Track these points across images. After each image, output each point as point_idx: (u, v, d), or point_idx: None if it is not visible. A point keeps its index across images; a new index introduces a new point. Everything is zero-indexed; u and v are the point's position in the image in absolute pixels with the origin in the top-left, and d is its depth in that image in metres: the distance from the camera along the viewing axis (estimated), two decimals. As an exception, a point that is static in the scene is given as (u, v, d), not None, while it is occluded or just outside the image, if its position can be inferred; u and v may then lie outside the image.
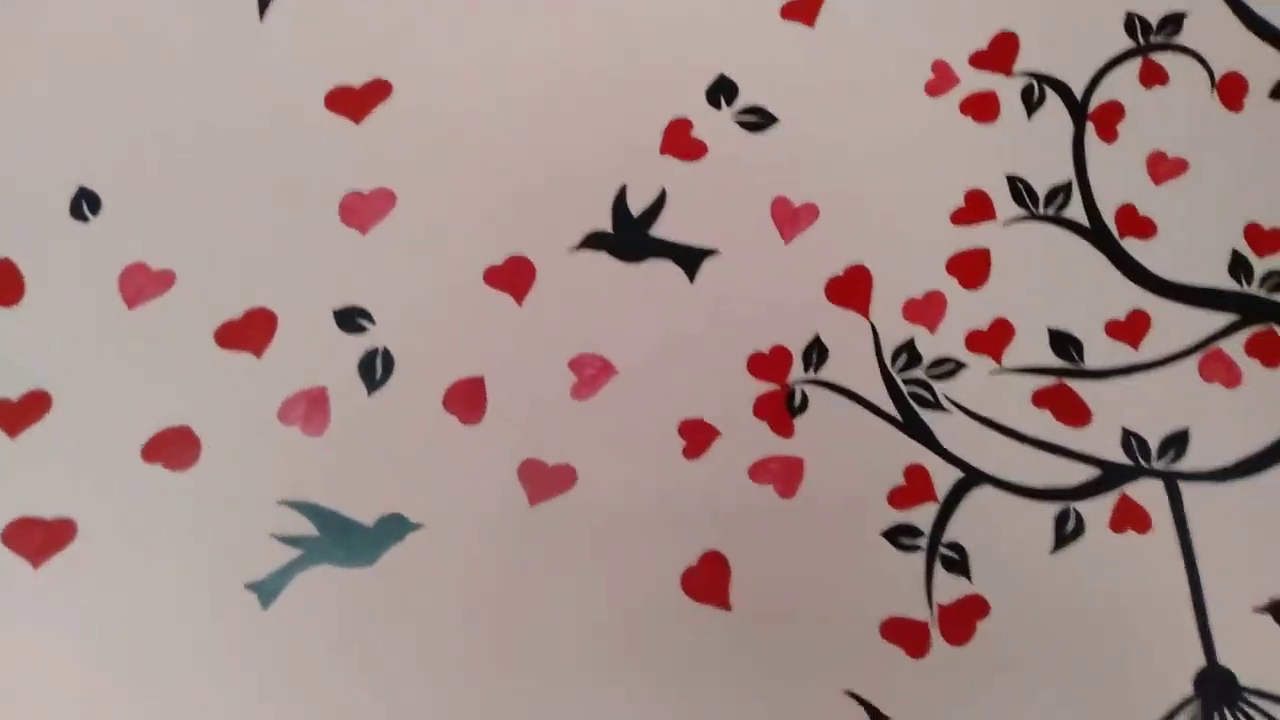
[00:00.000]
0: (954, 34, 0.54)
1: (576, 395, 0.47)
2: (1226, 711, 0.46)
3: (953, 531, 0.47)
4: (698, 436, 0.47)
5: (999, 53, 0.54)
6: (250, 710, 0.42)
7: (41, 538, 0.43)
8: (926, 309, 0.50)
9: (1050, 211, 0.52)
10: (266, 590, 0.44)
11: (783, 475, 0.47)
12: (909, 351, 0.49)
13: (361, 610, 0.44)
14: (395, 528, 0.45)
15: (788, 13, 0.54)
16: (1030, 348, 0.50)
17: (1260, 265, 0.52)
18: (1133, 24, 0.56)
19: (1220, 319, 0.51)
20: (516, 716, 0.43)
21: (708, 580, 0.46)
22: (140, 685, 0.42)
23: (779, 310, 0.49)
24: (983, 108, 0.53)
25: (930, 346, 0.50)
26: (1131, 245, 0.52)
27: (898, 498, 0.47)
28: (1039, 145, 0.53)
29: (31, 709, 0.42)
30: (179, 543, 0.44)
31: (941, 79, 0.54)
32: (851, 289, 0.50)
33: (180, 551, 0.44)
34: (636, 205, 0.50)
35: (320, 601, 0.44)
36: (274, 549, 0.44)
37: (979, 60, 0.54)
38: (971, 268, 0.51)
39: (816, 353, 0.49)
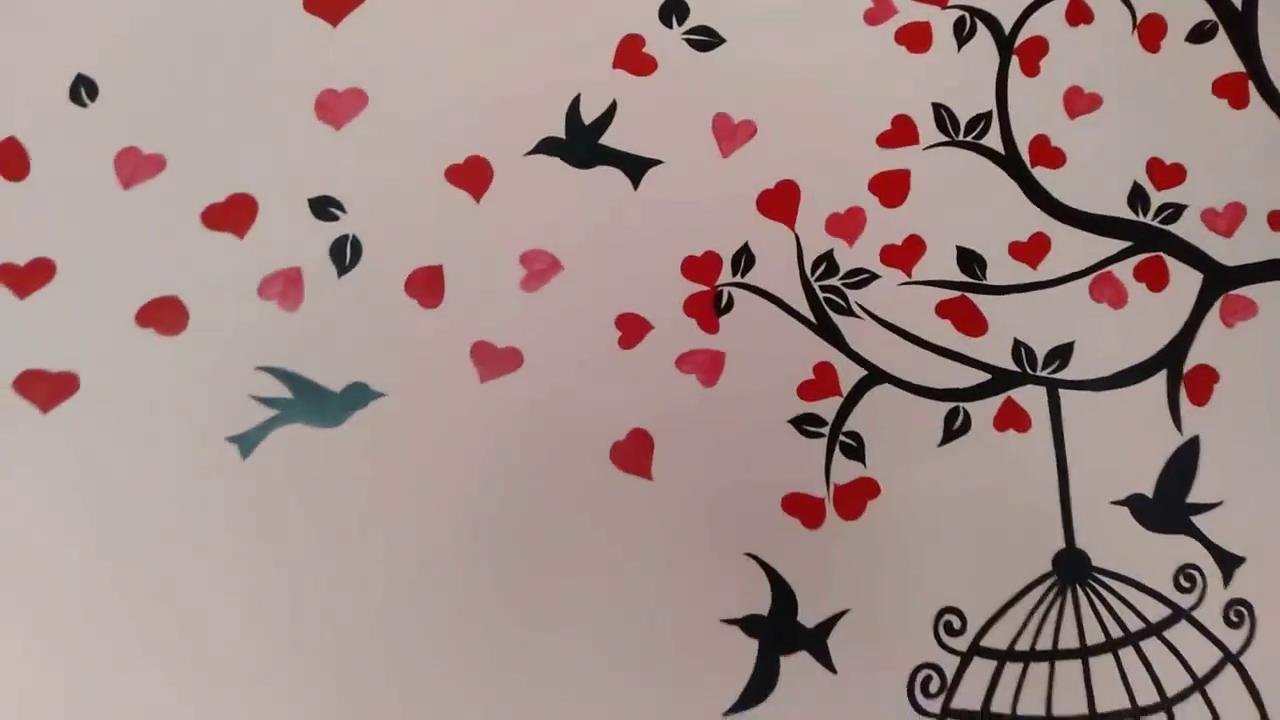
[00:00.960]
0: (896, -35, 0.59)
1: (525, 286, 0.53)
2: (1078, 586, 0.54)
3: (853, 422, 0.54)
4: (632, 329, 0.53)
5: (936, -14, 0.59)
6: (225, 543, 0.50)
7: (47, 388, 0.49)
8: (847, 224, 0.56)
9: (969, 139, 0.57)
10: (246, 443, 0.51)
11: (705, 366, 0.54)
12: (828, 262, 0.55)
13: (327, 465, 0.51)
14: (360, 395, 0.51)
15: (742, -62, 0.58)
16: (938, 263, 0.56)
17: (1157, 198, 0.58)
18: (1066, -36, 0.60)
19: (1115, 245, 0.57)
20: (449, 564, 0.51)
21: (633, 453, 0.52)
22: (132, 525, 0.49)
23: (713, 218, 0.55)
24: (916, 38, 0.58)
25: (848, 258, 0.55)
26: (1041, 174, 0.57)
27: (806, 390, 0.54)
28: (965, 76, 0.58)
29: (33, 544, 0.49)
30: (169, 399, 0.50)
31: (880, 9, 0.58)
32: (780, 202, 0.56)
33: (170, 406, 0.50)
34: (588, 115, 0.55)
35: (292, 455, 0.51)
36: (253, 408, 0.51)
37: (917, -8, 0.58)
38: (891, 188, 0.56)
39: (744, 259, 0.55)
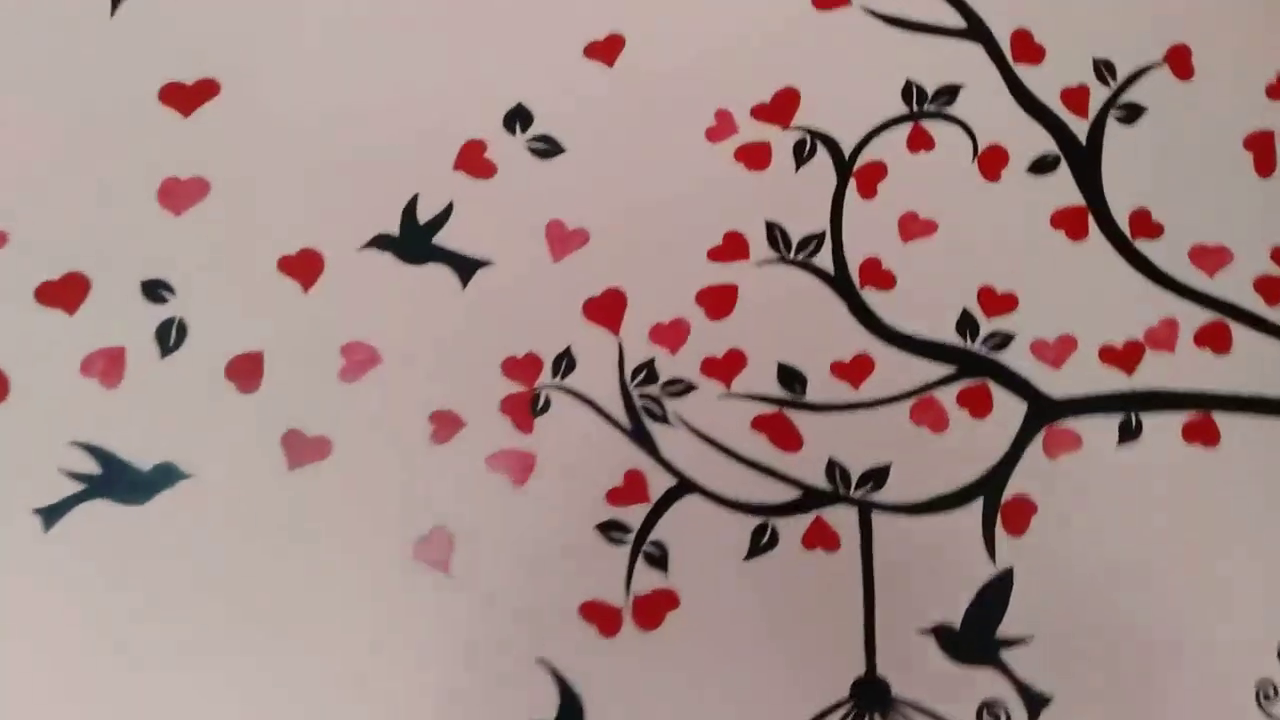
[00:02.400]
0: (741, 86, 0.61)
1: (343, 377, 0.55)
2: (877, 716, 0.54)
3: (659, 531, 0.55)
4: (446, 424, 0.55)
5: (780, 107, 0.61)
6: (27, 607, 0.51)
7: None
8: (671, 333, 0.57)
9: (800, 257, 0.59)
10: (51, 515, 0.52)
11: (516, 466, 0.55)
12: (648, 370, 0.57)
13: (129, 542, 0.52)
14: (167, 475, 0.53)
15: (590, 52, 0.61)
16: (759, 378, 0.57)
17: (987, 325, 0.59)
18: (910, 91, 0.62)
19: (939, 369, 0.58)
20: (254, 646, 0.51)
21: (435, 548, 0.53)
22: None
23: (538, 321, 0.57)
24: (755, 157, 0.60)
25: (668, 367, 0.57)
26: (870, 295, 0.59)
27: (615, 496, 0.55)
28: (802, 195, 0.60)
29: None
30: (-21, 467, 0.52)
31: (722, 126, 0.60)
32: (606, 309, 0.57)
33: (-21, 475, 0.52)
34: (425, 214, 0.58)
35: (95, 530, 0.52)
36: (62, 481, 0.53)
37: (760, 112, 0.61)
38: (718, 301, 0.58)
39: (566, 362, 0.56)
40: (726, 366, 0.57)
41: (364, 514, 0.54)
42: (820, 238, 0.59)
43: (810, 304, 0.59)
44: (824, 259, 0.59)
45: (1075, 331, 0.59)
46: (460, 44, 0.60)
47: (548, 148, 0.59)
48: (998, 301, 0.60)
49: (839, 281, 0.59)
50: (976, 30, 0.64)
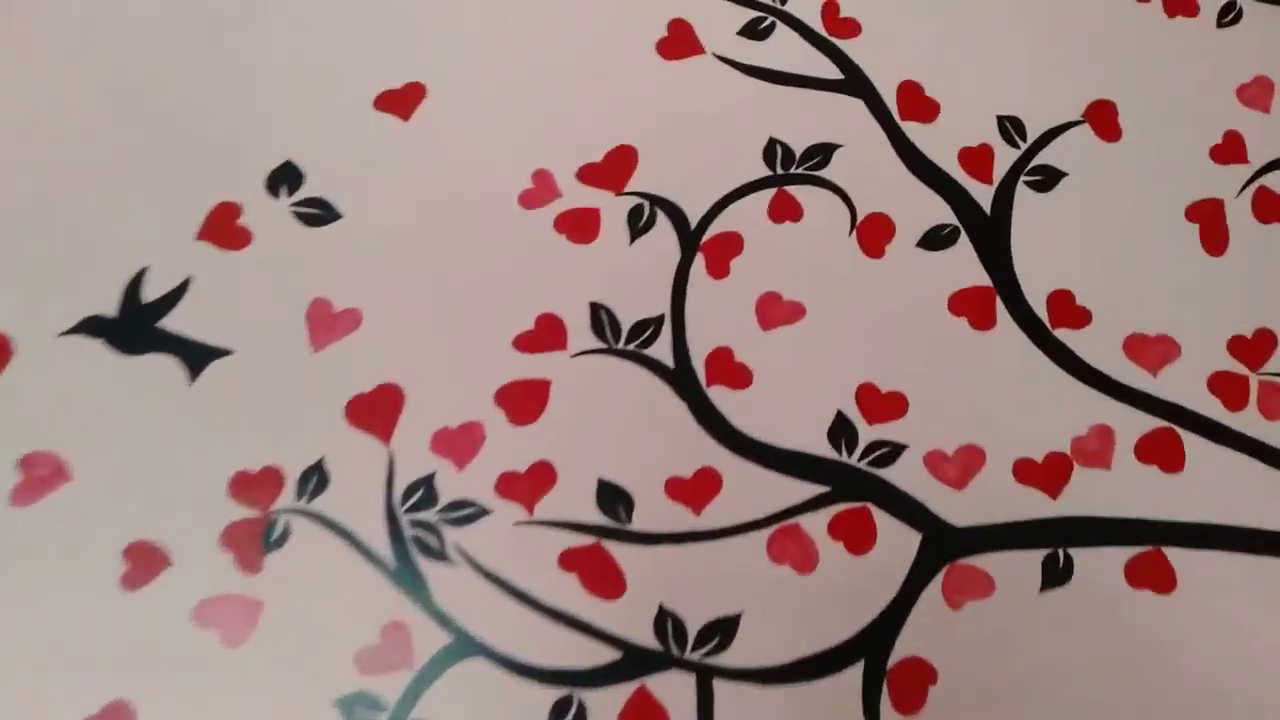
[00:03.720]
0: (566, 143, 0.51)
1: (16, 499, 0.43)
2: None
3: (426, 707, 0.41)
4: (145, 563, 0.42)
5: (612, 168, 0.51)
6: None
7: None
8: (459, 442, 0.45)
9: (631, 347, 0.47)
10: None
11: (234, 619, 0.42)
12: (426, 488, 0.44)
13: None
14: None
15: (382, 103, 0.51)
16: (572, 499, 0.45)
17: (868, 433, 0.47)
18: (773, 151, 0.52)
19: (807, 489, 0.45)
20: None
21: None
22: None
23: (284, 426, 0.45)
24: (580, 226, 0.49)
25: (453, 485, 0.44)
26: (719, 395, 0.47)
27: (368, 661, 0.41)
28: (636, 273, 0.49)
29: None
30: None
31: (540, 190, 0.50)
32: (377, 410, 0.45)
33: None
34: (152, 291, 0.46)
35: None
36: None
37: (588, 174, 0.50)
38: (524, 401, 0.46)
39: (316, 478, 0.44)
40: (530, 485, 0.45)
41: (27, 681, 0.40)
42: (657, 323, 0.48)
43: (642, 405, 0.47)
44: (661, 349, 0.48)
45: (982, 442, 0.47)
46: (220, 85, 0.51)
47: (319, 213, 0.49)
48: (882, 403, 0.48)
49: (680, 377, 0.47)
50: (856, 83, 0.54)
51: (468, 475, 0.45)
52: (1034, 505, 0.46)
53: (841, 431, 0.47)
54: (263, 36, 0.52)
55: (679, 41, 0.54)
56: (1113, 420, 0.48)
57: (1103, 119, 0.54)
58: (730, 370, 0.47)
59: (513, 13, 0.54)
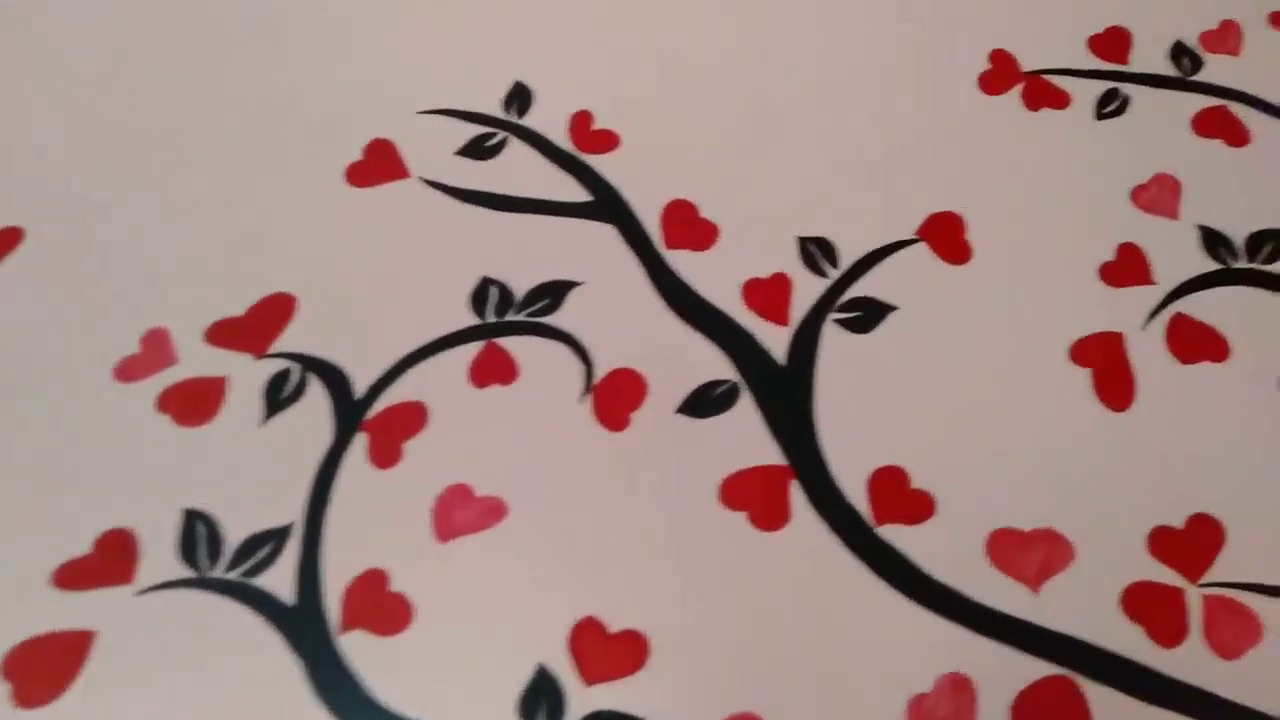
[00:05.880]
0: (193, 295, 0.38)
1: None
2: None
3: None
4: None
5: (256, 324, 0.37)
6: None
7: None
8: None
9: (234, 575, 0.32)
10: None
11: None
12: None
13: None
14: None
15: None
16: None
17: (582, 698, 0.30)
18: (484, 294, 0.38)
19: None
20: None
21: None
22: None
23: None
24: (194, 401, 0.36)
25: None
26: (360, 644, 0.31)
27: None
28: (264, 464, 0.34)
29: None
30: None
31: (149, 356, 0.37)
32: None
33: None
34: None
35: None
36: None
37: (220, 333, 0.37)
38: (47, 669, 0.30)
39: None
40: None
41: None
42: (280, 537, 0.33)
43: (242, 656, 0.31)
44: (280, 577, 0.32)
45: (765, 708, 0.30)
46: None
47: None
48: (611, 653, 0.31)
49: (303, 621, 0.31)
50: (608, 205, 0.41)
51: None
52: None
53: (541, 697, 0.30)
54: None
55: (376, 164, 0.42)
56: (975, 666, 0.31)
57: (944, 236, 0.41)
58: (381, 606, 0.32)
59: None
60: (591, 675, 0.31)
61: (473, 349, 0.37)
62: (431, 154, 0.42)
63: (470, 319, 0.38)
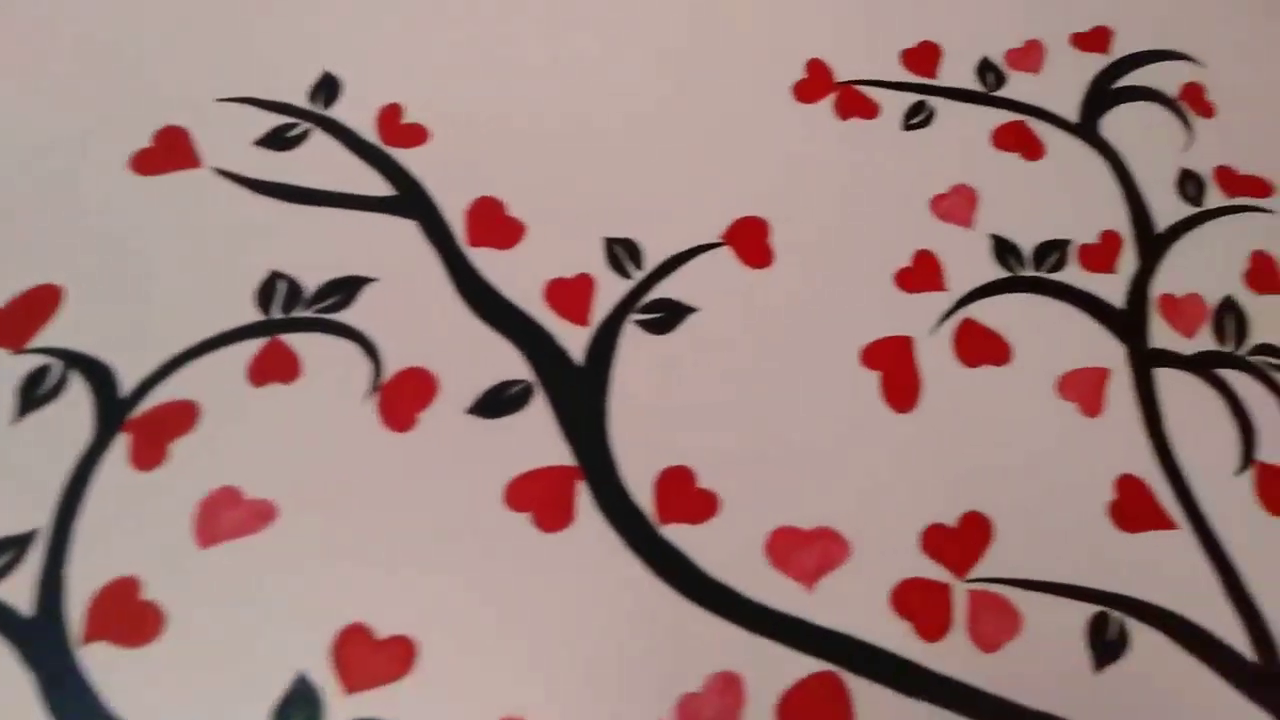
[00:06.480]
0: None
1: None
2: None
3: None
4: None
5: (19, 317, 0.35)
6: None
7: None
8: None
9: (-36, 584, 0.30)
10: None
11: None
12: None
13: None
14: None
15: None
16: None
17: (342, 708, 0.29)
18: (271, 289, 0.37)
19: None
20: None
21: None
22: None
23: None
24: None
25: None
26: (103, 657, 0.29)
27: None
28: (13, 465, 0.32)
29: None
30: None
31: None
32: None
33: None
34: None
35: None
36: None
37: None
38: None
39: None
40: None
41: None
42: (20, 545, 0.31)
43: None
44: (18, 587, 0.30)
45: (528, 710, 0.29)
46: None
47: None
48: (379, 659, 0.30)
49: (45, 631, 0.29)
50: (412, 200, 0.40)
51: None
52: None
53: (297, 708, 0.29)
54: None
55: (165, 153, 0.40)
56: (746, 664, 0.31)
57: (749, 240, 0.41)
58: (128, 616, 0.30)
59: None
60: (353, 683, 0.30)
61: (254, 346, 0.36)
62: (228, 143, 0.41)
63: (254, 314, 0.36)
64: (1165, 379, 0.39)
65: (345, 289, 0.37)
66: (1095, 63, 0.49)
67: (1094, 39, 0.50)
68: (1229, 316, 0.41)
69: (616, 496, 0.34)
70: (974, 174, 0.44)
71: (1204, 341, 0.40)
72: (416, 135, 0.42)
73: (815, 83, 0.47)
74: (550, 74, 0.45)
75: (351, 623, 0.31)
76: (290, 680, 0.30)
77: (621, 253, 0.40)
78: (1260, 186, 0.45)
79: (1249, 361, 0.40)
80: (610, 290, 0.39)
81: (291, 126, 0.42)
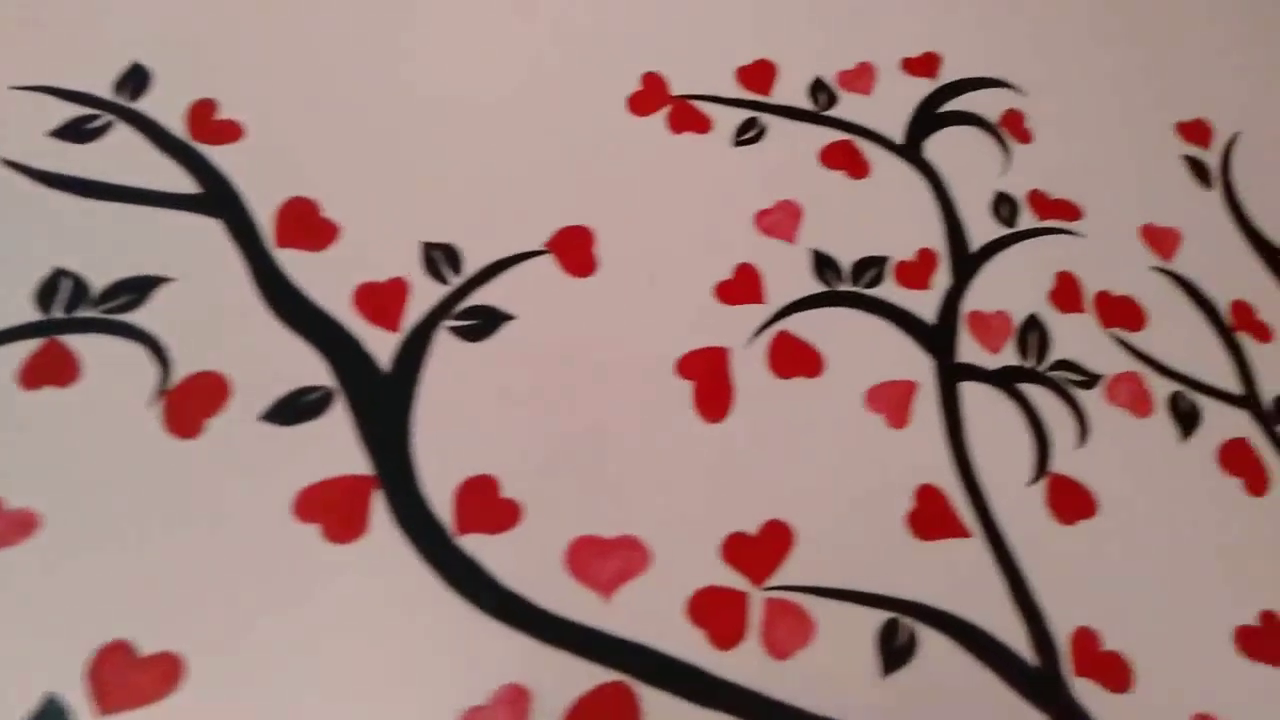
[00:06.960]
0: None
1: None
2: None
3: None
4: None
5: None
6: None
7: None
8: None
9: None
10: None
11: None
12: None
13: None
14: None
15: None
16: None
17: (91, 732, 0.27)
18: (54, 286, 0.35)
19: None
20: None
21: None
22: None
23: None
24: None
25: None
26: None
27: None
28: None
29: None
30: None
31: None
32: None
33: None
34: None
35: None
36: None
37: None
38: None
39: None
40: None
41: None
42: None
43: None
44: None
45: (304, 730, 0.28)
46: None
47: None
48: (136, 678, 0.29)
49: None
50: (218, 199, 0.39)
51: None
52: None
53: (37, 735, 0.27)
54: None
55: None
56: (536, 676, 0.31)
57: (573, 248, 0.41)
58: None
59: None
60: (109, 703, 0.28)
61: (29, 346, 0.34)
62: (19, 133, 0.38)
63: (33, 314, 0.34)
64: (969, 392, 0.41)
65: (136, 289, 0.36)
66: (923, 87, 0.51)
67: (923, 64, 0.52)
68: (1032, 333, 0.43)
69: (414, 506, 0.33)
70: (800, 190, 0.45)
71: (1009, 356, 0.42)
72: (230, 132, 0.41)
73: (650, 95, 0.47)
74: (378, 75, 0.44)
75: (113, 640, 0.29)
76: (39, 701, 0.28)
77: (440, 258, 0.39)
78: (1070, 210, 0.48)
79: (1048, 376, 0.42)
80: (426, 296, 0.38)
81: (92, 118, 0.40)
